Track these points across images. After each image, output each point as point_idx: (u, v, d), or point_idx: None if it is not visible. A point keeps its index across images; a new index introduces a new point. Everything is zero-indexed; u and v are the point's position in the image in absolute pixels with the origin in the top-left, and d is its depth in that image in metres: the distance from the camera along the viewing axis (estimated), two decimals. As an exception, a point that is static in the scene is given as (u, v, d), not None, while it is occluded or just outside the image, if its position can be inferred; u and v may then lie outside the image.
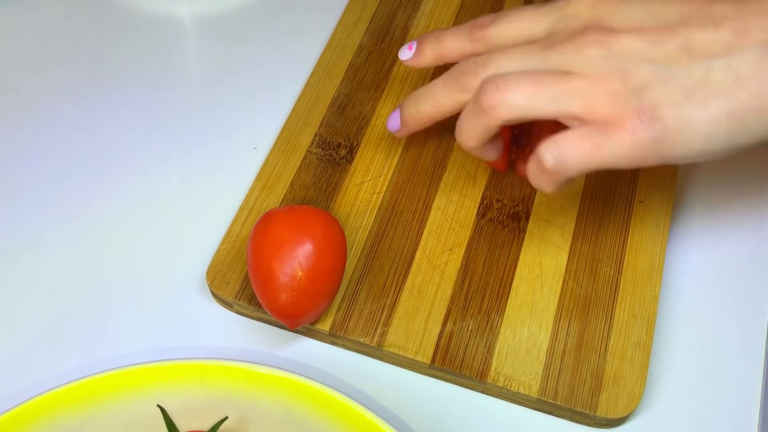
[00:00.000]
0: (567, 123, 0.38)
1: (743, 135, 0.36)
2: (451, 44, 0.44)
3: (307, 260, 0.41)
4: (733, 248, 0.49)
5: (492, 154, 0.44)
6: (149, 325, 0.46)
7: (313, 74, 0.55)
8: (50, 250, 0.49)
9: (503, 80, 0.38)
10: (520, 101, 0.38)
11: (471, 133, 0.41)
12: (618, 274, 0.46)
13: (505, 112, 0.39)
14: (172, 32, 0.59)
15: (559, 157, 0.38)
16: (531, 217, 0.49)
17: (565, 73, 0.38)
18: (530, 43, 0.40)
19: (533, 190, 0.50)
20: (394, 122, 0.46)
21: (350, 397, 0.39)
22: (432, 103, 0.43)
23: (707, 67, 0.36)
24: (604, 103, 0.37)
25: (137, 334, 0.46)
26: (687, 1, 0.38)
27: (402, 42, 0.57)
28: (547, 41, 0.40)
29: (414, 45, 0.46)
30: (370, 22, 0.58)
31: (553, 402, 0.42)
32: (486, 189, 0.50)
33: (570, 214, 0.49)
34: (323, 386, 0.39)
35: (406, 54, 0.46)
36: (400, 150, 0.51)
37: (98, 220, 0.50)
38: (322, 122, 0.53)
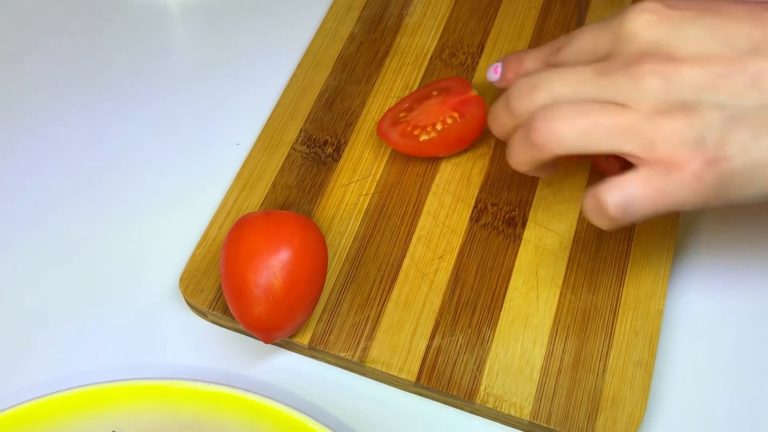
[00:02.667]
0: (625, 157, 0.35)
1: None
2: (530, 68, 0.41)
3: (283, 270, 0.38)
4: (746, 258, 0.46)
5: (546, 174, 0.41)
6: (119, 336, 0.43)
7: (300, 65, 0.52)
8: (16, 253, 0.46)
9: (555, 114, 0.36)
10: (572, 139, 0.35)
11: (521, 161, 0.38)
12: (620, 286, 0.43)
13: (557, 148, 0.36)
14: (154, 18, 0.56)
15: (622, 204, 0.35)
16: (528, 222, 0.45)
17: (621, 106, 0.35)
18: (586, 65, 0.37)
19: (531, 194, 0.46)
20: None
21: (324, 422, 0.36)
22: (496, 123, 0.40)
23: None
24: (664, 143, 0.34)
25: (105, 345, 0.43)
26: (760, 25, 0.34)
27: (395, 31, 0.53)
28: (603, 66, 0.36)
29: (499, 68, 0.43)
30: (363, 10, 0.54)
31: (546, 426, 0.39)
32: (481, 191, 0.47)
33: (569, 220, 0.45)
34: (294, 411, 0.36)
35: (493, 76, 0.43)
36: (390, 148, 0.48)
37: (68, 220, 0.47)
38: (308, 117, 0.50)
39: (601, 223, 0.36)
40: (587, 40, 0.38)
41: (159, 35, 0.56)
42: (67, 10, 0.57)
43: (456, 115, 0.46)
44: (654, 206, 0.35)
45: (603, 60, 0.36)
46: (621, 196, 0.35)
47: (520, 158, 0.38)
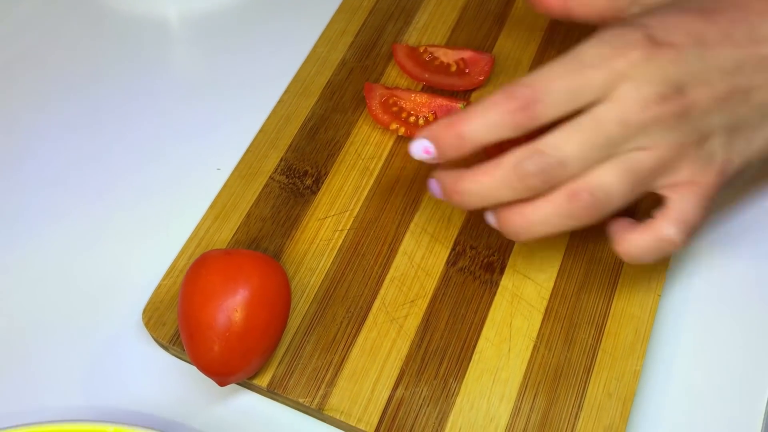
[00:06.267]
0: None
1: None
2: (483, 134, 0.36)
3: (240, 313, 0.37)
4: (735, 320, 0.43)
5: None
6: (77, 367, 0.43)
7: (287, 91, 0.51)
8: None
9: (596, 186, 0.36)
10: (617, 197, 0.36)
11: (552, 228, 0.37)
12: (596, 342, 0.41)
13: (605, 212, 0.37)
14: (150, 34, 0.55)
15: (688, 230, 0.37)
16: (506, 269, 0.44)
17: (641, 150, 0.36)
18: (587, 116, 0.35)
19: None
20: (433, 189, 0.40)
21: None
22: (483, 200, 0.37)
23: (762, 115, 0.38)
24: (685, 169, 0.37)
25: (61, 378, 0.42)
26: (738, 46, 0.37)
27: (388, 59, 0.52)
28: (611, 112, 0.35)
29: (431, 147, 0.38)
30: (356, 36, 0.53)
31: (505, 489, 0.38)
32: (460, 233, 0.45)
33: (550, 269, 0.44)
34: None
35: (424, 156, 0.38)
36: (371, 182, 0.47)
37: (38, 242, 0.47)
38: (290, 146, 0.48)
39: (664, 255, 0.38)
40: (564, 90, 0.35)
41: (151, 53, 0.55)
42: (58, 25, 0.56)
43: (431, 117, 0.48)
44: (704, 217, 0.38)
45: (590, 104, 0.35)
46: (685, 224, 0.37)
47: (551, 226, 0.37)
